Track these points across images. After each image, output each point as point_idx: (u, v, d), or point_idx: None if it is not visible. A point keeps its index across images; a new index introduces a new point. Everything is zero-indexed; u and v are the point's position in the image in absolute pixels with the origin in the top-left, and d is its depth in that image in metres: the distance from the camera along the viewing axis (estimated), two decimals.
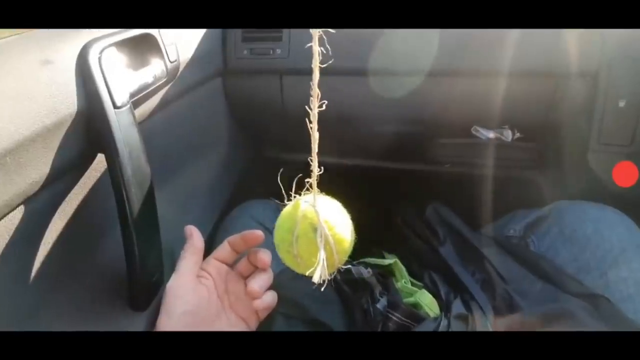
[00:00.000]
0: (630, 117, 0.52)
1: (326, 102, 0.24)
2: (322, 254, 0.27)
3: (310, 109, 0.25)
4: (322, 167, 0.29)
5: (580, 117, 0.57)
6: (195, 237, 0.42)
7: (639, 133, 0.53)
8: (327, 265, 0.28)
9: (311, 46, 0.22)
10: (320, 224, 0.28)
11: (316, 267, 0.27)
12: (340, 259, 0.30)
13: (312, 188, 0.28)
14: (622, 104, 0.52)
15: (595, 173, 0.56)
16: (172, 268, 0.41)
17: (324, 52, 0.22)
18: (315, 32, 0.22)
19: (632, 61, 0.53)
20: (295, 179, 0.30)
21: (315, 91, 0.24)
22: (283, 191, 0.30)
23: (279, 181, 0.30)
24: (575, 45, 0.54)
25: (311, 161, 0.27)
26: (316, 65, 0.23)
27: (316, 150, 0.27)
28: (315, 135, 0.26)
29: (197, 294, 0.39)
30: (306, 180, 0.28)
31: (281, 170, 0.31)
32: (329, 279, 0.29)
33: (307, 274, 0.29)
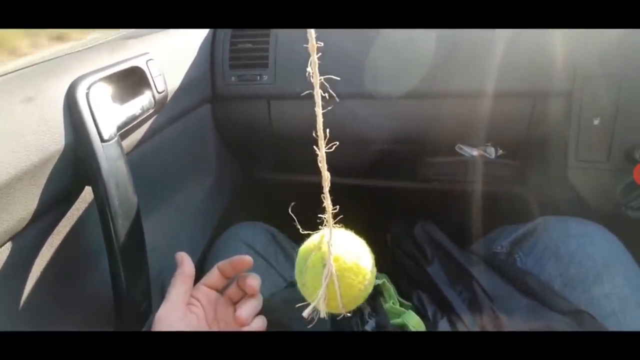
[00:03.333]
0: (605, 134, 0.54)
1: (337, 143, 0.24)
2: (322, 292, 0.27)
3: (318, 147, 0.25)
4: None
5: (559, 134, 0.59)
6: (186, 264, 0.42)
7: (615, 150, 0.54)
8: (328, 306, 0.28)
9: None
10: (329, 262, 0.27)
11: (312, 301, 0.27)
12: (345, 304, 0.28)
13: (328, 223, 0.28)
14: (596, 122, 0.54)
15: (575, 188, 0.58)
16: (162, 295, 0.41)
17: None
18: (316, 82, 0.22)
19: (604, 80, 0.55)
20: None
21: (321, 135, 0.24)
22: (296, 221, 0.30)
23: (290, 212, 0.30)
24: (550, 66, 0.56)
25: (324, 198, 0.26)
26: (319, 112, 0.23)
27: (328, 186, 0.26)
28: (325, 175, 0.26)
29: (187, 322, 0.38)
30: (319, 215, 0.28)
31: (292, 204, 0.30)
32: (325, 317, 0.28)
33: (308, 300, 0.28)
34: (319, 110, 0.23)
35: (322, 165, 0.25)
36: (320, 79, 0.23)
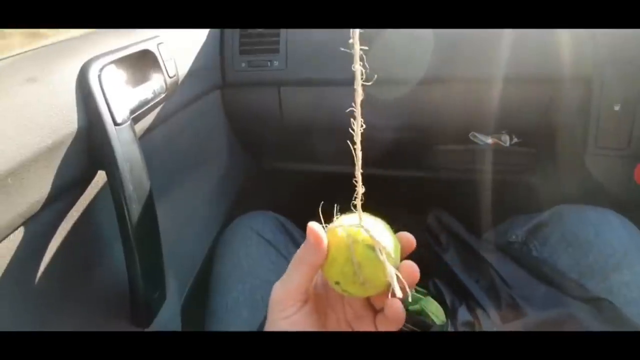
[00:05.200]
0: (626, 120, 0.53)
1: (364, 126, 0.23)
2: (390, 268, 0.25)
3: (353, 129, 0.23)
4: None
5: (577, 121, 0.57)
6: (320, 243, 0.27)
7: (635, 136, 0.53)
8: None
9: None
10: (376, 240, 0.25)
11: (392, 282, 0.25)
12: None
13: (355, 209, 0.26)
14: (617, 107, 0.53)
15: (594, 176, 0.56)
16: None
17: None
18: (357, 51, 0.21)
19: (625, 65, 0.53)
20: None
21: (358, 109, 0.23)
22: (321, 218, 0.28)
23: (320, 213, 0.28)
24: (567, 50, 0.55)
25: (356, 182, 0.25)
26: (358, 84, 0.22)
27: (360, 170, 0.25)
28: (358, 155, 0.24)
29: (303, 314, 0.28)
30: (352, 204, 0.26)
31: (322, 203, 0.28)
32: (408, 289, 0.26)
33: (374, 294, 0.26)
34: (358, 87, 0.22)
35: (357, 146, 0.23)
36: (360, 52, 0.21)
